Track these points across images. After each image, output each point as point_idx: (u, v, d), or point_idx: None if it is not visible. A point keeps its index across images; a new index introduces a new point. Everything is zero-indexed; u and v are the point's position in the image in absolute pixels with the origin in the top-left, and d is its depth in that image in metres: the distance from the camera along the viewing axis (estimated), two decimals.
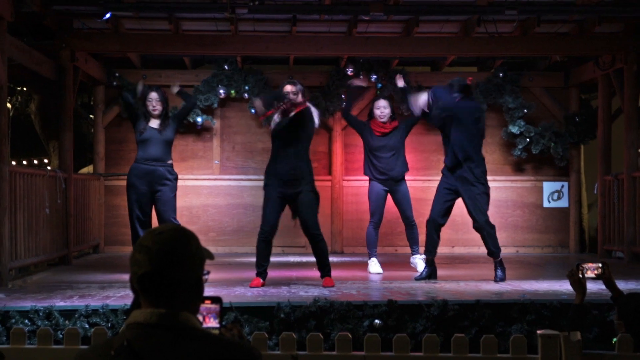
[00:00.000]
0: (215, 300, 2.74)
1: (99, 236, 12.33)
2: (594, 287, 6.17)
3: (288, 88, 8.06)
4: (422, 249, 9.06)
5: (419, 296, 7.00)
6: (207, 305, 2.71)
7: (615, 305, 5.03)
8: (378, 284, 8.25)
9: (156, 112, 8.88)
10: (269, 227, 7.99)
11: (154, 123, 8.89)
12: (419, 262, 9.45)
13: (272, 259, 8.34)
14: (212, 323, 2.72)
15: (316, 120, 8.17)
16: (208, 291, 2.50)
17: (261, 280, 7.94)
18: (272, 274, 8.54)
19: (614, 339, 4.53)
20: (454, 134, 8.43)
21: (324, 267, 8.07)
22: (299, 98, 8.04)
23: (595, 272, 4.93)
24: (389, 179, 9.58)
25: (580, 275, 4.86)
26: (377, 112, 9.69)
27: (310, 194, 7.96)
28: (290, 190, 7.94)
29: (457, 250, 12.43)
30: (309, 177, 8.00)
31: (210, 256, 2.48)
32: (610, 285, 5.06)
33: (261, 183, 8.37)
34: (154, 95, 8.90)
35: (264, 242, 8.05)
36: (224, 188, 12.58)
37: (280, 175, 7.94)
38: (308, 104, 8.13)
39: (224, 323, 2.75)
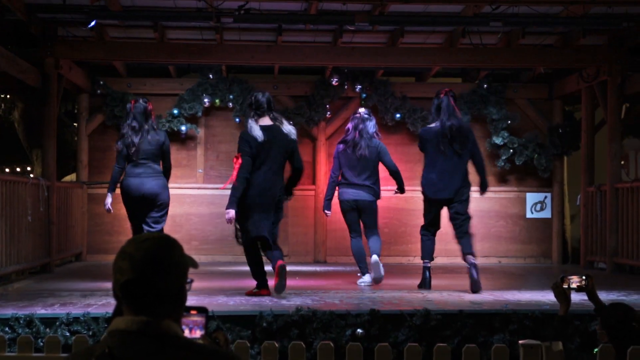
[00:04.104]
0: (201, 310, 2.71)
1: (81, 244, 12.27)
2: (576, 298, 6.18)
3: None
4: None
5: (402, 306, 7.00)
6: (193, 316, 2.68)
7: (598, 317, 5.05)
8: (361, 294, 8.24)
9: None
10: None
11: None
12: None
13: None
14: (197, 334, 2.69)
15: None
16: (190, 300, 2.49)
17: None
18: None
19: (595, 349, 4.55)
20: None
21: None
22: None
23: (579, 284, 4.94)
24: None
25: (566, 287, 4.88)
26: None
27: None
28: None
29: (439, 261, 12.43)
30: None
31: (194, 264, 2.46)
32: (593, 297, 5.07)
33: None
34: None
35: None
36: (208, 197, 12.54)
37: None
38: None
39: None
